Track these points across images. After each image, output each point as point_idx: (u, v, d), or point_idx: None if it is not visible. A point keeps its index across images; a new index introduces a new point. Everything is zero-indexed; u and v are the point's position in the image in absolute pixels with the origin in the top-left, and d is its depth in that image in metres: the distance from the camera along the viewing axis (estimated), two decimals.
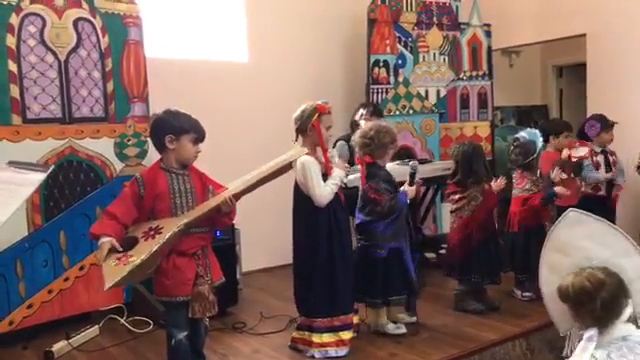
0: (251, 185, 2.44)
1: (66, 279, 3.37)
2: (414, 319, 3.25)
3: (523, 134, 3.64)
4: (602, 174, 4.25)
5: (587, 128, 4.31)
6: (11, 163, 1.60)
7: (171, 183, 2.42)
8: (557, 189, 3.61)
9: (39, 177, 1.50)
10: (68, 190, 3.37)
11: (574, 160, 4.10)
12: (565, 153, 4.10)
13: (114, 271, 2.20)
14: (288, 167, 2.58)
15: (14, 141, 3.18)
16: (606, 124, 4.24)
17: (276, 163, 2.53)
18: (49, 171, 1.54)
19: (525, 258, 3.59)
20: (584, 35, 5.08)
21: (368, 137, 3.10)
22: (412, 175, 3.14)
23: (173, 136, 2.41)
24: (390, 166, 3.34)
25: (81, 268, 3.42)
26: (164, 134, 2.42)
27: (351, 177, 3.51)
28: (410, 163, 3.25)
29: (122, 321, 3.43)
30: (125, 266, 2.20)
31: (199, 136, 2.45)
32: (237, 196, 2.42)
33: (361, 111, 4.26)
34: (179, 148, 2.42)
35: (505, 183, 3.53)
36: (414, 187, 3.14)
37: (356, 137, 3.17)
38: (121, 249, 2.28)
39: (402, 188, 3.13)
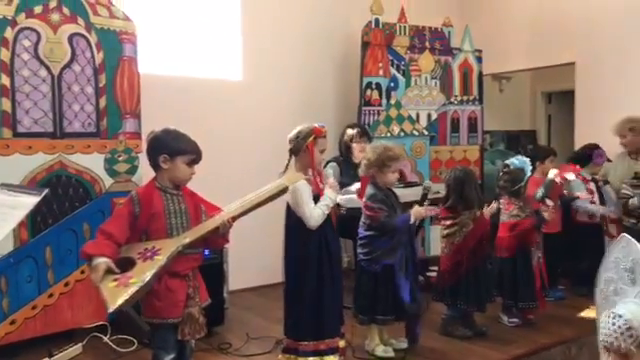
0: (248, 209, 2.43)
1: (50, 295, 3.32)
2: (404, 345, 3.24)
3: (514, 161, 3.67)
4: (596, 207, 4.31)
5: (595, 155, 4.41)
6: (3, 185, 1.58)
7: (166, 203, 2.38)
8: (545, 215, 3.65)
9: (32, 200, 1.48)
10: (56, 205, 3.34)
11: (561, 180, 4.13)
12: (551, 174, 4.12)
13: (115, 293, 2.14)
14: (284, 191, 2.59)
15: (4, 155, 3.16)
16: (607, 158, 4.40)
17: (272, 187, 2.53)
18: (43, 195, 1.51)
19: (513, 284, 3.62)
20: (573, 63, 5.18)
21: (366, 157, 3.17)
22: (424, 195, 3.16)
23: (167, 156, 2.37)
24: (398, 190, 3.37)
25: (66, 284, 3.38)
26: (159, 153, 2.38)
27: (345, 197, 3.53)
28: (424, 183, 3.28)
29: (106, 339, 3.38)
30: (126, 288, 2.14)
31: (195, 158, 2.42)
32: (235, 218, 2.41)
33: (349, 132, 4.28)
34: (173, 168, 2.39)
35: (497, 208, 3.57)
36: (422, 208, 3.15)
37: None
38: (118, 270, 2.22)
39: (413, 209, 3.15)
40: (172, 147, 2.38)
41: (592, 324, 3.77)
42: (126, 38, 3.59)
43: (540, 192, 3.89)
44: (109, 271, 2.21)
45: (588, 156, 4.45)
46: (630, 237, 1.63)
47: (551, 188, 3.93)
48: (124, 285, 2.16)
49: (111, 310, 2.14)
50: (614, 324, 1.45)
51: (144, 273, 2.19)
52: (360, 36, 4.79)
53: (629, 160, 4.45)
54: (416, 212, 3.12)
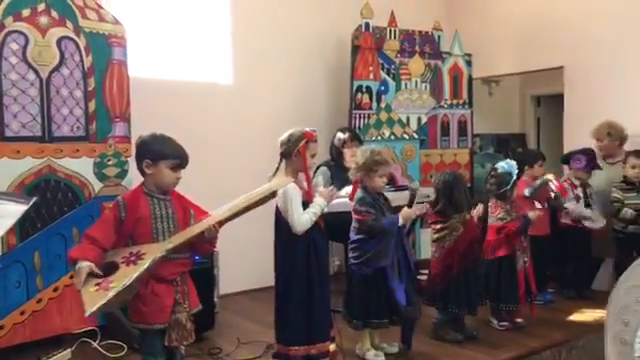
0: (236, 212, 2.43)
1: (39, 300, 3.30)
2: (395, 349, 3.25)
3: (502, 164, 3.69)
4: (589, 211, 4.33)
5: (573, 160, 4.41)
6: None
7: (153, 208, 2.38)
8: (530, 214, 3.67)
9: (20, 209, 1.46)
10: (45, 210, 3.32)
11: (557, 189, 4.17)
12: (549, 175, 4.18)
13: (94, 297, 2.15)
14: (272, 196, 2.59)
15: None
16: (590, 166, 4.34)
17: (261, 191, 2.53)
18: (31, 203, 1.49)
19: (497, 287, 3.64)
20: (561, 67, 5.22)
21: (355, 161, 3.16)
22: (412, 197, 3.16)
23: (150, 161, 2.37)
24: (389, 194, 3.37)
25: (55, 289, 3.36)
26: (143, 158, 2.39)
27: (335, 201, 3.53)
28: (411, 185, 3.28)
29: (95, 345, 3.36)
30: (106, 292, 2.15)
31: (179, 162, 2.40)
32: (221, 223, 2.41)
33: (340, 136, 4.28)
34: (156, 173, 2.38)
35: (482, 211, 3.59)
36: (411, 210, 3.14)
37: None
38: (101, 274, 2.22)
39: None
40: (155, 152, 2.38)
41: (582, 327, 3.82)
42: (115, 41, 3.57)
43: (529, 190, 3.93)
44: (92, 275, 2.21)
45: (568, 161, 4.48)
46: None
47: (541, 189, 3.99)
48: (104, 289, 2.16)
49: (87, 314, 2.14)
50: None
51: (125, 277, 2.19)
52: (350, 40, 4.80)
53: (604, 164, 4.51)
54: (404, 214, 3.11)
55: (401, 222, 3.10)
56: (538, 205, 4.06)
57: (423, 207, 3.29)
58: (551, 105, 6.61)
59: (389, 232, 3.08)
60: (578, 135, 4.83)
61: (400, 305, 3.08)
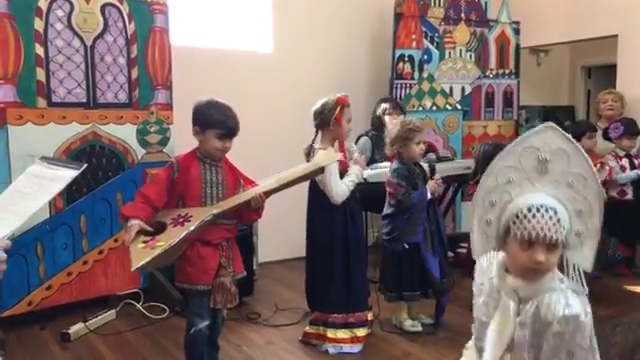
0: (282, 185, 2.42)
1: (85, 262, 3.41)
2: (431, 320, 3.23)
3: None
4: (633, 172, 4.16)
5: (611, 129, 4.25)
6: (44, 159, 1.61)
7: (204, 172, 2.41)
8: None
9: (71, 174, 1.49)
10: (90, 175, 3.40)
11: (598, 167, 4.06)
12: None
13: (141, 253, 2.21)
14: (320, 171, 2.58)
15: (39, 124, 3.21)
16: (630, 130, 4.15)
17: (308, 166, 2.52)
18: (81, 169, 1.53)
19: None
20: (615, 36, 4.97)
21: (389, 136, 3.13)
22: (431, 168, 3.12)
23: (199, 128, 2.40)
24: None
25: (100, 252, 3.46)
26: (193, 124, 2.42)
27: (371, 172, 3.50)
28: (427, 156, 3.24)
29: (138, 306, 3.47)
30: (152, 250, 2.21)
31: (225, 132, 2.40)
32: (268, 193, 2.41)
33: (383, 105, 4.21)
34: (204, 140, 2.41)
35: None
36: (433, 182, 3.12)
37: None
38: (151, 231, 2.28)
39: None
40: (203, 119, 2.40)
41: (628, 304, 3.70)
42: (157, 9, 3.59)
43: None
44: (142, 233, 2.27)
45: (608, 136, 4.30)
46: (554, 125, 1.54)
47: None
48: (151, 247, 2.22)
49: (133, 269, 2.19)
50: (551, 218, 1.39)
51: (171, 238, 2.24)
52: (393, 7, 4.68)
53: None
54: (430, 187, 3.10)
55: (429, 195, 3.07)
56: None
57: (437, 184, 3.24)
58: (603, 76, 6.35)
59: (418, 206, 3.03)
60: (630, 109, 4.62)
61: (434, 278, 3.05)
